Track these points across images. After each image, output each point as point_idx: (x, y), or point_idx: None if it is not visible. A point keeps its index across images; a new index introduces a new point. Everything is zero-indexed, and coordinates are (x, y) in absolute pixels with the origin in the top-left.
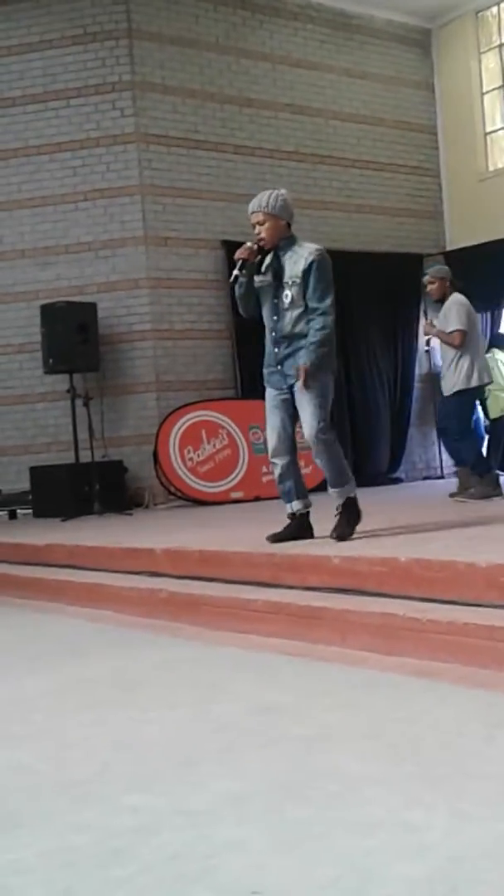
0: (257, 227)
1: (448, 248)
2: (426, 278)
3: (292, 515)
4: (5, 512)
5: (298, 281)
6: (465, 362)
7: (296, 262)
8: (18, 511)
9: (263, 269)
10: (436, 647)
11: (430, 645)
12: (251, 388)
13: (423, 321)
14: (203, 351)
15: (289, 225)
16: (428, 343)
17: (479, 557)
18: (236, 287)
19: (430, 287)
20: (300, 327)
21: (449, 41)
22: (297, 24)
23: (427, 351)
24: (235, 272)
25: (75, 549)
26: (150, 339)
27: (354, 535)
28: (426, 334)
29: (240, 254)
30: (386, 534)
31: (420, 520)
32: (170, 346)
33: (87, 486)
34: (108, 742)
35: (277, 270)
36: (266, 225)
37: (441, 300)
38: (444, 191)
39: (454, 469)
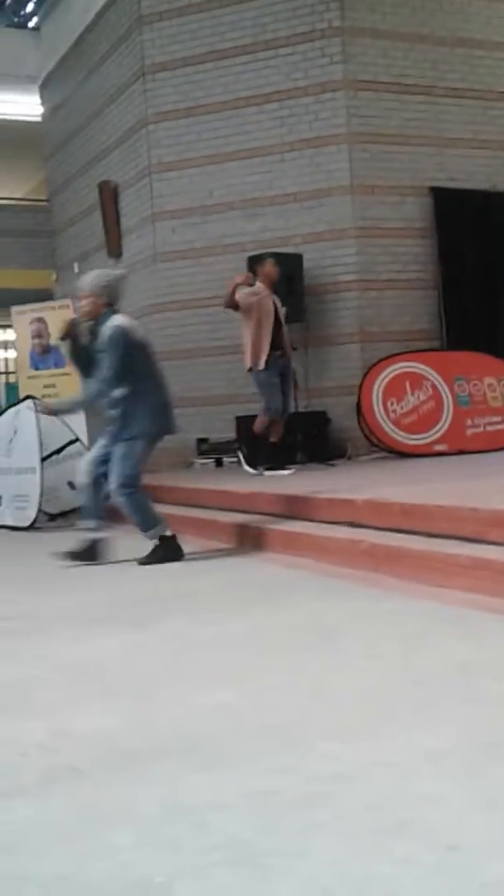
0: (82, 301)
1: None
2: None
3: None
4: (212, 460)
5: (104, 349)
6: None
7: (103, 333)
8: (224, 459)
9: (92, 336)
10: None
11: None
12: (457, 339)
13: None
14: (408, 301)
15: (108, 304)
16: None
17: None
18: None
19: None
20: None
21: None
22: None
23: None
24: (58, 340)
25: (277, 498)
26: (355, 289)
27: None
28: None
29: (61, 327)
30: None
31: None
32: (374, 296)
33: (290, 436)
34: (306, 687)
35: (97, 339)
36: (86, 301)
37: None
38: None
39: None
